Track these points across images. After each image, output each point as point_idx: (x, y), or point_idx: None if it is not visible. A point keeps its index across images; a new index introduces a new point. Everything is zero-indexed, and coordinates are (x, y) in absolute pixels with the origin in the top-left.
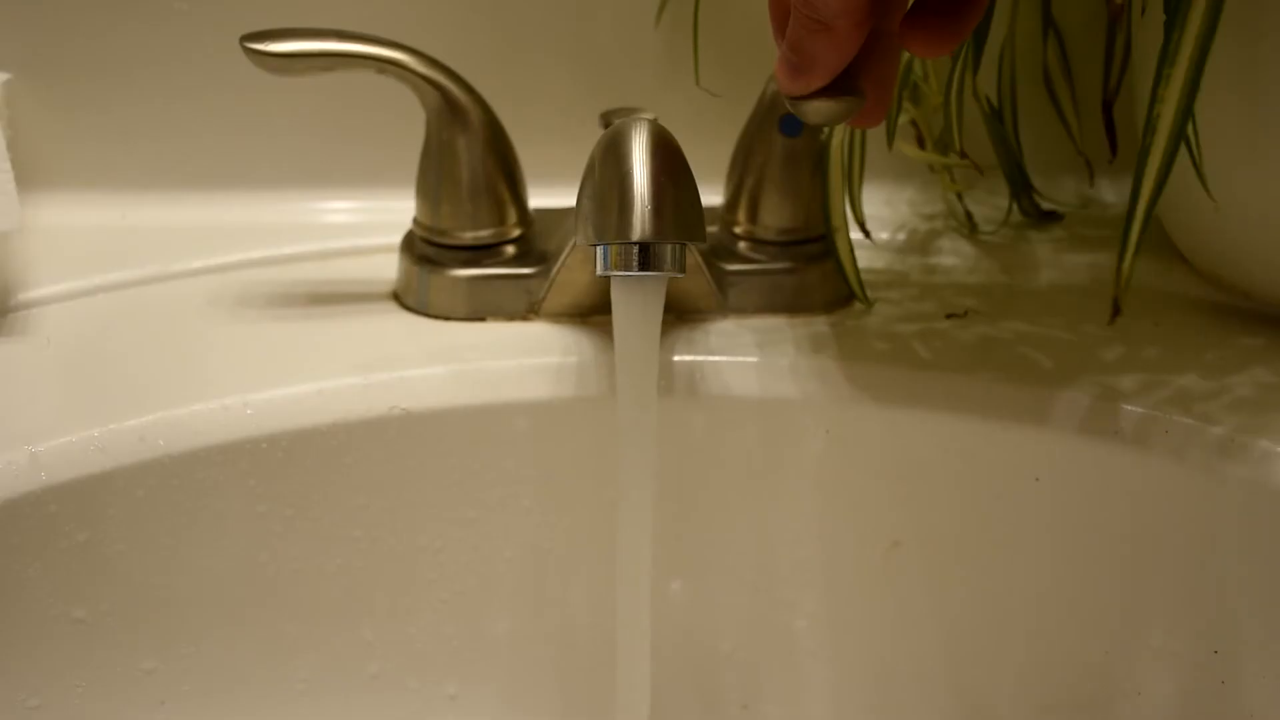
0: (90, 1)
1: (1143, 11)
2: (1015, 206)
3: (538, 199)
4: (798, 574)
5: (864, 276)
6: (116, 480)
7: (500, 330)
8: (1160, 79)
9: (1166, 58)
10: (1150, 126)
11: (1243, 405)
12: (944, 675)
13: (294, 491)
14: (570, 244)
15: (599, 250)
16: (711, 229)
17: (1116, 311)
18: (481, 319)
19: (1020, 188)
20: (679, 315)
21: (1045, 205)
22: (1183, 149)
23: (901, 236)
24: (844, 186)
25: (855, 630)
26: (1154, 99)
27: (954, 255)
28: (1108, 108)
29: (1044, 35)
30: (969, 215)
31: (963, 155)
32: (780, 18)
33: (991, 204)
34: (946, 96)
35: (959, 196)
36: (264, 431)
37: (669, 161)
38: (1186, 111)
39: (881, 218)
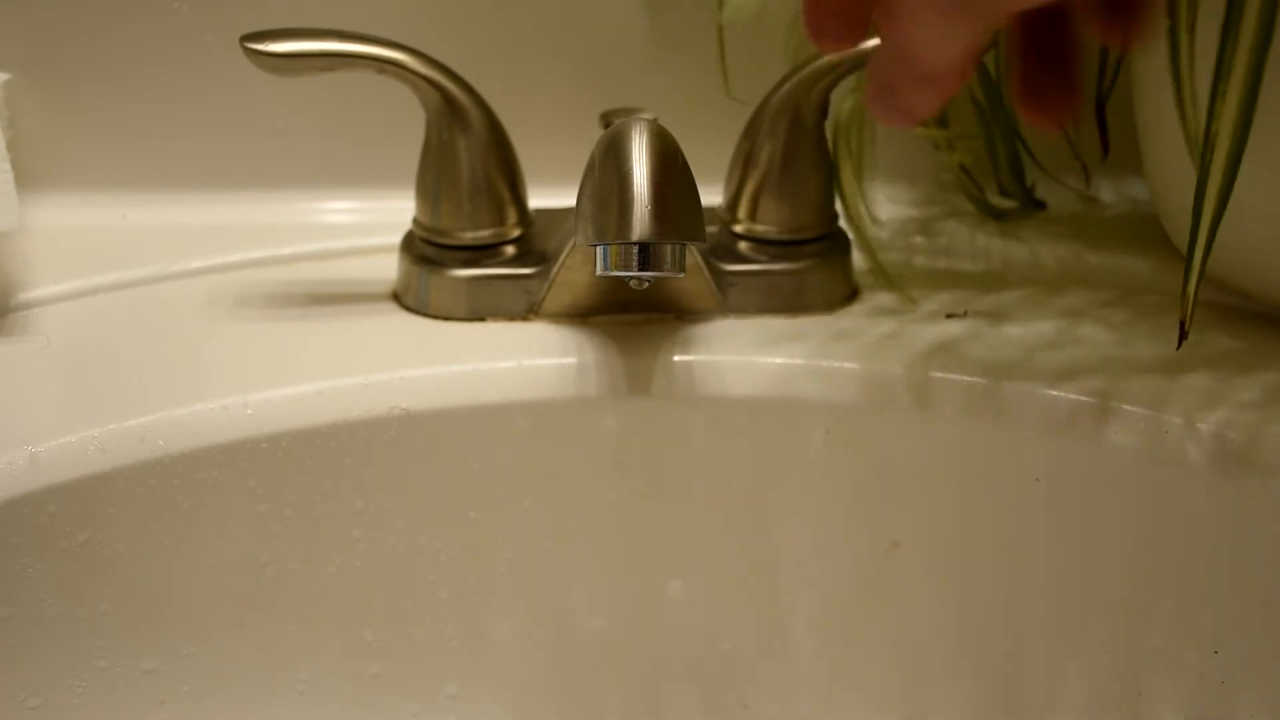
0: (90, 1)
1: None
2: (1014, 205)
3: (538, 199)
4: (798, 574)
5: (863, 278)
6: (116, 480)
7: (500, 330)
8: (1216, 95)
9: (1221, 73)
10: (1209, 144)
11: (1243, 405)
12: (943, 675)
13: (294, 491)
14: (570, 244)
15: (599, 250)
16: (711, 229)
17: (1184, 336)
18: (481, 319)
19: (1020, 187)
20: (679, 315)
21: (1037, 196)
22: (1183, 149)
23: (902, 236)
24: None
25: (855, 630)
26: (1211, 115)
27: (954, 255)
28: (1100, 107)
29: None
30: (982, 200)
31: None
32: (817, 17)
33: (991, 204)
34: None
35: (966, 197)
36: (264, 431)
37: (669, 161)
38: (1245, 128)
39: (882, 218)
